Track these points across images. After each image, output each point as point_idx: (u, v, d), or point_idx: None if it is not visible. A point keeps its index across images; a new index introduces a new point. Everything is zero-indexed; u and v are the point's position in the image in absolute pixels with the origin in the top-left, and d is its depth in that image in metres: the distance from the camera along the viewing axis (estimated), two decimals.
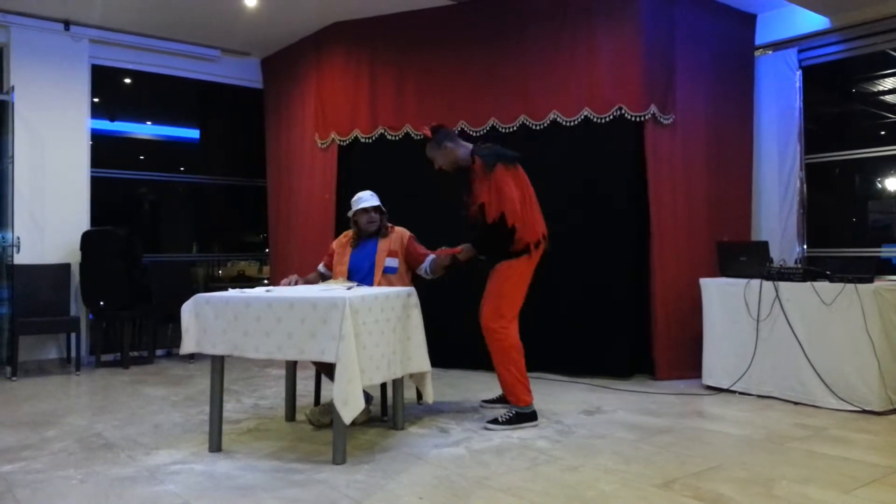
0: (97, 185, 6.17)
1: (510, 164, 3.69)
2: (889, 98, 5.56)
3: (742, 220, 5.50)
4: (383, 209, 4.00)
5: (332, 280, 3.90)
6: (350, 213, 4.00)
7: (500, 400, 4.02)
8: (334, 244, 4.13)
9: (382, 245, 3.92)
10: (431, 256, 3.91)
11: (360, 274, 3.88)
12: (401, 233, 3.99)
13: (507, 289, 3.72)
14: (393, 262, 3.89)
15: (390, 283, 3.83)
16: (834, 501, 2.60)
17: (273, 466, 3.05)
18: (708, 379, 4.65)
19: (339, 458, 3.06)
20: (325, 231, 5.73)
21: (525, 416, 3.67)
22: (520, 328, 3.79)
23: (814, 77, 5.59)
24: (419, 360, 3.59)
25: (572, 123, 5.07)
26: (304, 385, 4.61)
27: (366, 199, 3.95)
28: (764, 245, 4.67)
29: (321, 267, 4.14)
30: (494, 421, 3.66)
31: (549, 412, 3.96)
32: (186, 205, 7.44)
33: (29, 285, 5.59)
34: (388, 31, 5.70)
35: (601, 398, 4.35)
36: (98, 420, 3.94)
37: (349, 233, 4.08)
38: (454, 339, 5.24)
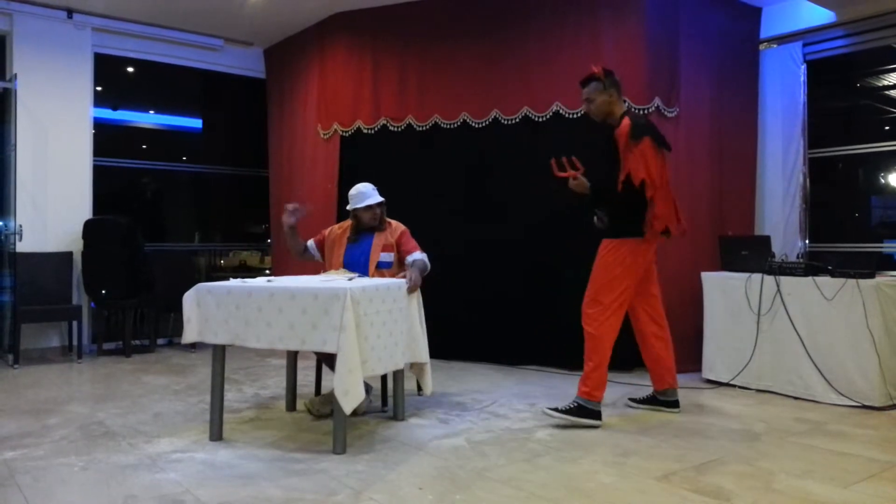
0: (99, 173, 6.18)
1: (658, 143, 3.53)
2: (894, 93, 5.54)
3: (745, 214, 5.49)
4: (384, 203, 3.96)
5: (332, 271, 3.89)
6: (350, 208, 3.97)
7: (649, 400, 3.92)
8: (327, 231, 4.11)
9: (378, 240, 3.91)
10: (411, 258, 3.82)
11: (356, 268, 3.86)
12: (396, 226, 3.98)
13: (610, 276, 3.54)
14: (387, 258, 3.88)
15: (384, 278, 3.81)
16: (832, 496, 2.60)
17: (273, 456, 3.06)
18: (708, 373, 4.65)
19: (339, 448, 3.07)
20: (326, 222, 5.70)
21: (587, 412, 3.50)
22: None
23: (819, 71, 5.56)
24: (418, 351, 3.60)
25: (575, 115, 5.05)
26: (305, 375, 4.62)
27: (369, 194, 3.91)
28: (766, 239, 4.67)
29: (311, 243, 4.11)
30: (555, 408, 3.54)
31: (549, 405, 3.97)
32: (188, 194, 7.44)
33: (31, 273, 5.60)
34: (390, 22, 5.68)
35: None
36: (99, 408, 3.95)
37: (345, 224, 4.06)
38: (456, 330, 5.26)
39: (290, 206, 3.94)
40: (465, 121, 5.38)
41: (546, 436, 3.37)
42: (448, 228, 5.38)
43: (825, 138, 5.58)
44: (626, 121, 3.55)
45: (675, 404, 3.85)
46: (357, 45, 5.81)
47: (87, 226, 5.86)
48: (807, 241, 5.53)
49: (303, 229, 4.79)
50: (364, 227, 3.95)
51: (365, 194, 3.92)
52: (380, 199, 3.93)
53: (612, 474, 2.82)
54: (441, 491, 2.64)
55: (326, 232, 4.11)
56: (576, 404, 3.53)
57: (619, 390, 4.38)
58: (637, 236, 3.56)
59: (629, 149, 3.49)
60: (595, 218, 3.79)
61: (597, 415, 3.53)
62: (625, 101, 3.70)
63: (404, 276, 3.59)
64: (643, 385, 4.54)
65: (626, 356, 4.98)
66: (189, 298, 3.34)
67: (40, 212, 5.78)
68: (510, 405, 4.01)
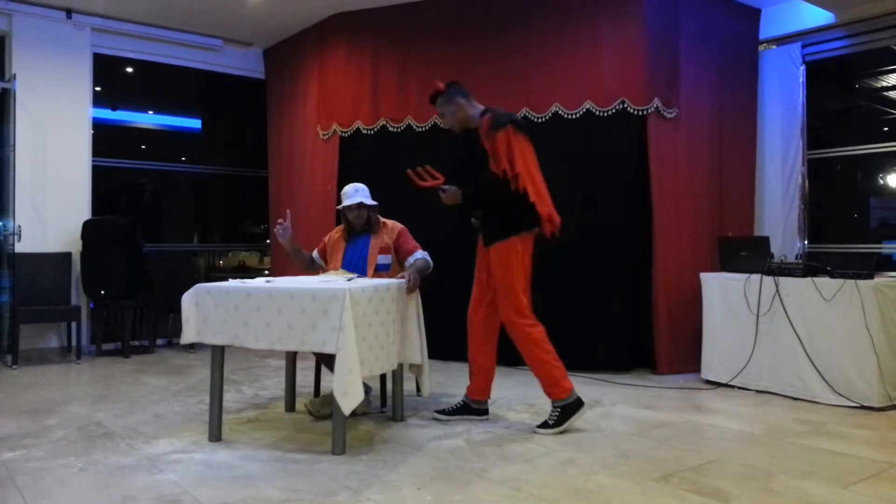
0: (98, 174, 6.17)
1: (520, 130, 3.42)
2: (892, 94, 5.55)
3: (744, 214, 5.49)
4: (367, 204, 3.89)
5: (331, 271, 3.89)
6: (339, 207, 3.97)
7: (458, 411, 3.70)
8: (327, 238, 4.10)
9: (374, 242, 3.89)
10: (412, 259, 3.82)
11: (354, 271, 3.83)
12: (392, 227, 3.97)
13: (515, 278, 3.45)
14: (385, 259, 3.87)
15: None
16: (832, 496, 2.60)
17: (273, 456, 3.06)
18: (707, 373, 4.65)
19: (338, 449, 3.07)
20: (325, 222, 5.73)
21: (571, 407, 3.43)
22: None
23: (817, 72, 5.57)
24: (417, 352, 3.60)
25: (574, 116, 5.06)
26: (304, 376, 4.62)
27: (350, 194, 3.88)
28: (765, 240, 4.67)
29: (315, 254, 4.12)
30: (544, 425, 3.44)
31: (549, 405, 3.96)
32: (188, 195, 7.44)
33: (30, 274, 5.60)
34: (390, 22, 5.68)
35: (600, 392, 4.36)
36: (98, 409, 3.95)
37: (341, 227, 4.06)
38: (454, 331, 5.24)
39: (278, 229, 3.88)
40: None
41: (545, 436, 3.37)
42: (447, 229, 5.38)
43: (824, 139, 5.59)
44: (487, 116, 3.49)
45: (486, 412, 3.74)
46: (357, 46, 5.81)
47: (86, 226, 5.86)
48: (806, 242, 5.54)
49: (303, 232, 4.78)
50: (353, 227, 3.94)
51: (346, 194, 3.90)
52: (359, 200, 3.85)
53: (610, 475, 2.82)
54: (440, 491, 2.64)
55: (326, 239, 4.11)
56: (558, 410, 3.45)
57: (617, 392, 4.39)
58: (525, 229, 3.47)
59: (491, 141, 3.42)
60: (472, 219, 3.68)
61: (579, 402, 3.46)
62: (489, 109, 3.55)
63: (403, 277, 3.59)
64: (643, 385, 4.54)
65: (626, 357, 5.02)
66: (188, 299, 3.33)
67: (39, 212, 5.78)
68: (509, 406, 4.01)
